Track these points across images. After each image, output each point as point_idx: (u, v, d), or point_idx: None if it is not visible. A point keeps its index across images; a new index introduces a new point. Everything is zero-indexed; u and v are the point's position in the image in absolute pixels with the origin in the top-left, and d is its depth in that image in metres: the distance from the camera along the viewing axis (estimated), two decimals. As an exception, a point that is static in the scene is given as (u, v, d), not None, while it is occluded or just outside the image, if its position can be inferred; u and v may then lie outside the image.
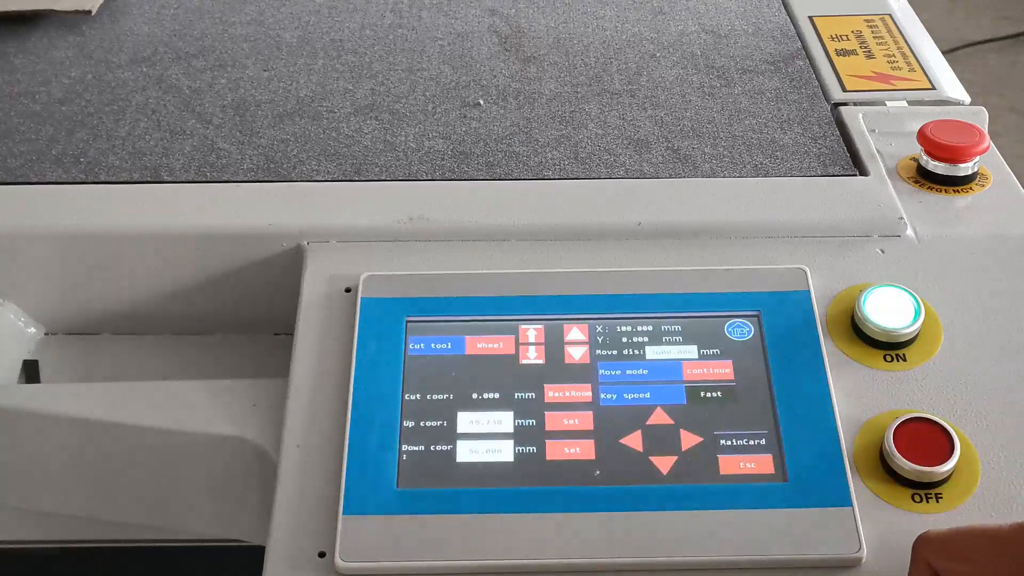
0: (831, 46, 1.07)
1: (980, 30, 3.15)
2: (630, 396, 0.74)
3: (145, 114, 0.99)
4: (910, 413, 0.72)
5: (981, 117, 0.95)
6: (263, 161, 0.92)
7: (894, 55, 1.05)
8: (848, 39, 1.08)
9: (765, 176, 0.90)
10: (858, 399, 0.75)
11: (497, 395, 0.75)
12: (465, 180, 0.90)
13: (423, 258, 0.83)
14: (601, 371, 0.76)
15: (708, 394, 0.74)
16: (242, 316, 0.89)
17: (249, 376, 0.82)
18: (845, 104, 0.98)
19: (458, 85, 1.03)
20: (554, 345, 0.77)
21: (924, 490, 0.70)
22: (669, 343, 0.77)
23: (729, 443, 0.72)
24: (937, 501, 0.70)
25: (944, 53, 1.09)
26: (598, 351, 0.77)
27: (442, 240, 0.84)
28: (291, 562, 0.68)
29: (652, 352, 0.77)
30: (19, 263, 0.86)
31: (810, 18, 1.12)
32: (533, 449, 0.72)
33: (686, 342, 0.77)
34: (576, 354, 0.77)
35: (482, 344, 0.77)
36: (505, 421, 0.73)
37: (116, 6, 1.16)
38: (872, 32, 1.09)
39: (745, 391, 0.74)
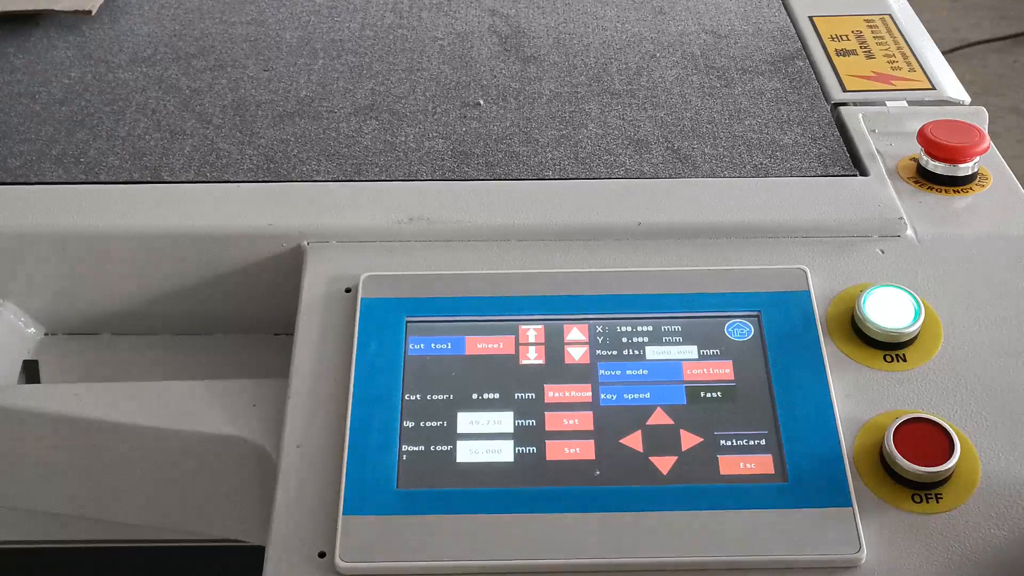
0: (831, 46, 1.07)
1: (980, 30, 3.15)
2: (630, 396, 0.74)
3: (145, 114, 0.99)
4: (910, 413, 0.72)
5: (981, 117, 0.95)
6: (263, 161, 0.92)
7: (894, 55, 1.05)
8: (848, 39, 1.08)
9: (765, 176, 0.90)
10: (858, 399, 0.75)
11: (497, 395, 0.75)
12: (465, 180, 0.89)
13: (423, 258, 0.83)
14: (601, 371, 0.76)
15: (708, 394, 0.74)
16: (242, 316, 0.89)
17: (249, 376, 0.82)
18: (845, 104, 0.98)
19: (458, 85, 1.03)
20: (554, 345, 0.77)
21: (924, 490, 0.70)
22: (669, 343, 0.77)
23: (729, 443, 0.72)
24: (937, 501, 0.70)
25: (944, 53, 1.09)
26: (598, 351, 0.77)
27: (442, 240, 0.84)
28: (291, 562, 0.68)
29: (652, 352, 0.77)
30: (19, 263, 0.86)
31: (810, 18, 1.12)
32: (533, 449, 0.72)
33: (686, 342, 0.77)
34: (576, 354, 0.77)
35: (482, 344, 0.77)
36: (505, 421, 0.73)
37: (116, 6, 1.16)
38: (872, 32, 1.09)
39: (745, 391, 0.74)
